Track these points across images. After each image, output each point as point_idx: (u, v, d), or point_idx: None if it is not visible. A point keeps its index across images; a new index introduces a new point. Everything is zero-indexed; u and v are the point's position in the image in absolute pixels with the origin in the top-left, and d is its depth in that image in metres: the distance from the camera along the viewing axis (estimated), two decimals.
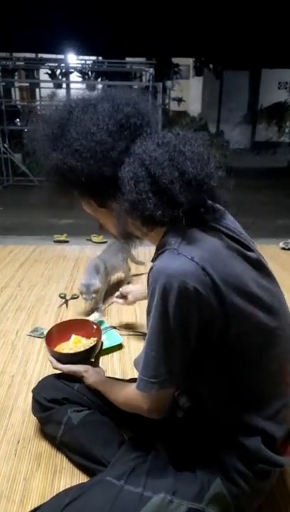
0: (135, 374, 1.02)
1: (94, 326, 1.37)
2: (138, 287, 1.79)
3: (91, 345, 1.27)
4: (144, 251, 2.60)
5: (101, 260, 2.15)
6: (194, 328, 0.80)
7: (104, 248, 2.36)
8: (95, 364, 1.27)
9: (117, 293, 1.83)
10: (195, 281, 0.76)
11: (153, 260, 0.90)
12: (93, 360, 1.27)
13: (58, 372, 1.23)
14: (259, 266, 0.89)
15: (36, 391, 1.23)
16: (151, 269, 0.82)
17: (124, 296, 1.79)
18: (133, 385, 0.90)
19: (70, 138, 0.85)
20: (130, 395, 0.96)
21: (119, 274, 2.43)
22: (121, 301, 1.80)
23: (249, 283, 0.84)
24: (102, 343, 1.32)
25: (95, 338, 1.30)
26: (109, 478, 0.91)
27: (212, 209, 0.88)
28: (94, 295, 2.01)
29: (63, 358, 1.22)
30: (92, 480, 0.97)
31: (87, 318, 1.96)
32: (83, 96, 0.93)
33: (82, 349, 1.25)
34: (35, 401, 1.22)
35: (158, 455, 0.95)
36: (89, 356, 1.26)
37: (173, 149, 0.82)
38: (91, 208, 0.96)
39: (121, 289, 1.83)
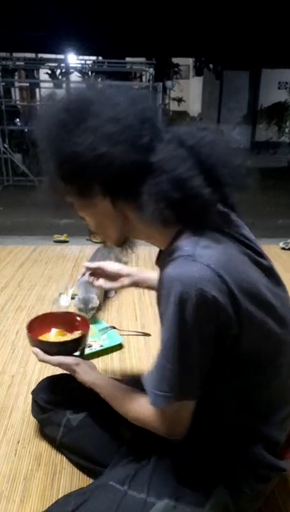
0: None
1: (79, 318, 1.26)
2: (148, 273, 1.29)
3: (77, 336, 1.17)
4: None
5: None
6: (212, 338, 0.76)
7: (91, 256, 2.31)
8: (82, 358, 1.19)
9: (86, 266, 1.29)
10: (213, 289, 0.71)
11: (158, 264, 0.87)
12: (79, 353, 1.18)
13: (58, 373, 1.21)
14: (271, 273, 0.87)
15: (35, 393, 1.23)
16: (161, 276, 0.77)
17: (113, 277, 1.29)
18: (145, 401, 0.83)
19: (96, 122, 0.76)
20: (143, 414, 0.87)
21: None
22: (103, 283, 1.29)
23: (263, 290, 0.81)
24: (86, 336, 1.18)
25: (80, 332, 1.21)
26: (112, 483, 0.90)
27: (226, 214, 0.86)
28: (92, 311, 1.93)
29: (50, 348, 1.09)
30: (94, 484, 0.96)
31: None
32: (95, 88, 0.88)
33: (69, 339, 1.16)
34: (35, 403, 1.22)
35: (161, 460, 0.93)
36: (77, 348, 1.16)
37: (210, 138, 0.80)
38: (94, 210, 0.87)
39: (101, 263, 1.29)
